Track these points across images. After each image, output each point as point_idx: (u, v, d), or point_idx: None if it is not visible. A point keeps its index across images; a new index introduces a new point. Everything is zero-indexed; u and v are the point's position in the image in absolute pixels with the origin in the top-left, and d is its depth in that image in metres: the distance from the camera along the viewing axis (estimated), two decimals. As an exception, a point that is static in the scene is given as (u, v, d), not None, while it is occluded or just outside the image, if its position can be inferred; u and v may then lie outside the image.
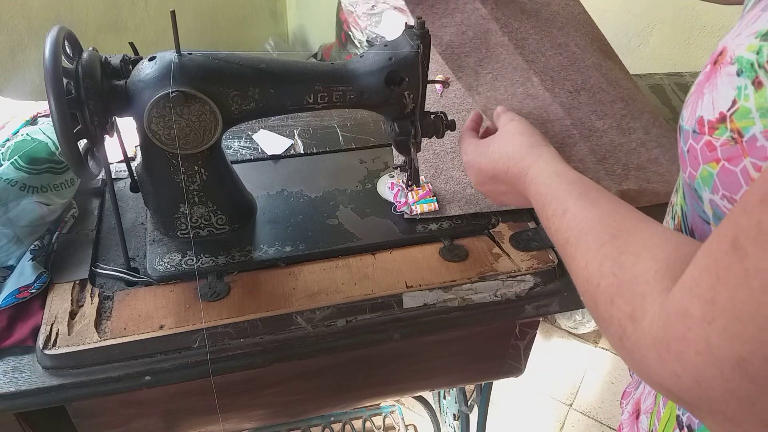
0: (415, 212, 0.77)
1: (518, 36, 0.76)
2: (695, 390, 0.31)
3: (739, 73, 0.35)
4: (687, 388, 0.32)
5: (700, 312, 0.30)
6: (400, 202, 0.79)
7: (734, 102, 0.35)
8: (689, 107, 0.41)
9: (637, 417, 0.57)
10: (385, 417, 1.49)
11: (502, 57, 0.74)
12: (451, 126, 0.72)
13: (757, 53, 0.34)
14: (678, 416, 0.48)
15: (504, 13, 0.78)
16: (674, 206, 0.52)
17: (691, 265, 0.33)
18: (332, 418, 1.41)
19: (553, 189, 0.50)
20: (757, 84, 0.34)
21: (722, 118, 0.36)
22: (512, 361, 0.85)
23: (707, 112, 0.38)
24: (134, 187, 0.72)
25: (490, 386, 1.04)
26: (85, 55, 0.59)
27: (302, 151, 0.91)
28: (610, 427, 1.58)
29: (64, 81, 0.57)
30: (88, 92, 0.58)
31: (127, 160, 0.70)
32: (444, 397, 1.34)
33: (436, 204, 0.78)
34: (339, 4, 2.03)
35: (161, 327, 0.63)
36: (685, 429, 0.47)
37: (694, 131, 0.39)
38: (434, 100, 0.99)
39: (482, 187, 0.64)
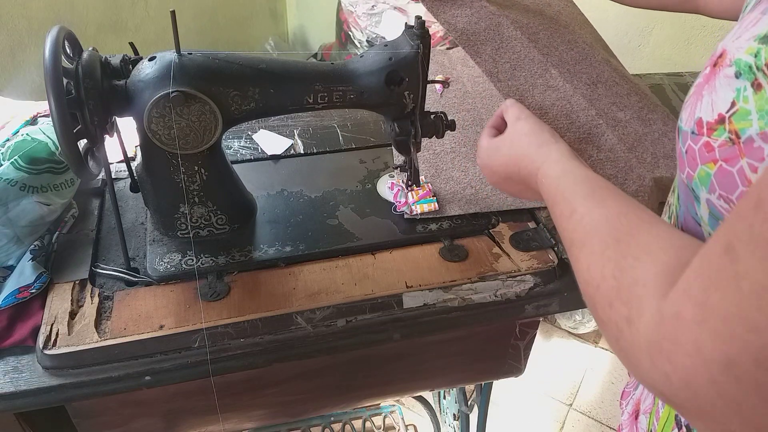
0: (415, 212, 0.77)
1: (530, 31, 0.76)
2: (684, 391, 0.32)
3: (737, 76, 0.36)
4: (677, 390, 0.32)
5: (692, 314, 0.31)
6: (400, 202, 0.79)
7: (733, 104, 0.36)
8: (688, 109, 0.41)
9: (636, 417, 0.57)
10: (385, 417, 1.49)
11: (518, 49, 0.73)
12: (451, 126, 0.71)
13: (755, 56, 0.35)
14: (677, 416, 0.48)
15: (511, 11, 0.78)
16: (671, 206, 0.52)
17: (688, 269, 0.33)
18: (332, 418, 1.41)
19: (561, 189, 0.50)
20: (757, 86, 0.34)
21: (721, 120, 0.36)
22: (512, 361, 0.85)
23: (706, 113, 0.38)
24: (134, 187, 0.72)
25: (490, 386, 1.04)
26: (85, 55, 0.59)
27: (302, 151, 0.91)
28: (610, 427, 1.58)
29: (64, 81, 0.57)
30: (88, 92, 0.58)
31: (127, 160, 0.70)
32: (444, 397, 1.34)
33: (436, 204, 0.78)
34: (339, 4, 2.03)
35: (161, 327, 0.63)
36: (684, 428, 0.47)
37: (692, 132, 0.39)
38: (434, 100, 0.99)
39: (499, 187, 0.65)
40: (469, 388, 1.17)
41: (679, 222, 0.48)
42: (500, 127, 0.67)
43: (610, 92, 0.76)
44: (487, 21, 0.75)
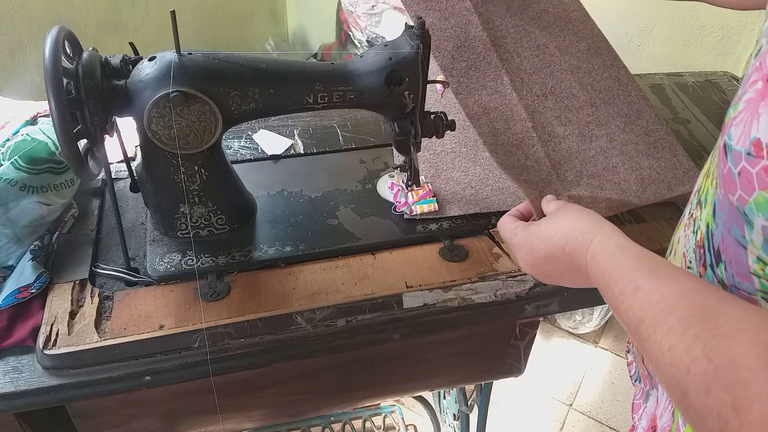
0: (414, 212, 0.77)
1: (497, 34, 0.78)
2: None
3: None
4: None
5: None
6: (400, 202, 0.79)
7: None
8: (740, 126, 0.38)
9: None
10: (385, 417, 1.49)
11: (479, 50, 0.75)
12: (451, 126, 0.71)
13: None
14: None
15: (488, 8, 0.79)
16: (697, 220, 0.50)
17: None
18: (332, 418, 1.41)
19: (619, 265, 0.45)
20: None
21: None
22: (512, 361, 0.85)
23: (765, 134, 0.35)
24: (134, 187, 0.72)
25: (490, 386, 1.04)
26: (85, 55, 0.59)
27: (302, 151, 0.91)
28: (610, 427, 1.58)
29: (64, 81, 0.57)
30: (88, 92, 0.58)
31: (127, 160, 0.70)
32: (444, 397, 1.34)
33: (436, 204, 0.78)
34: (339, 4, 2.03)
35: (161, 327, 0.63)
36: None
37: (748, 154, 0.37)
38: (434, 100, 0.99)
39: (534, 269, 0.58)
40: (469, 388, 1.17)
41: (715, 241, 0.45)
42: (523, 218, 0.64)
43: (559, 105, 0.77)
44: (457, 18, 0.76)
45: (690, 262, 0.51)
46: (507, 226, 0.62)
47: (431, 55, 0.68)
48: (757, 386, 0.32)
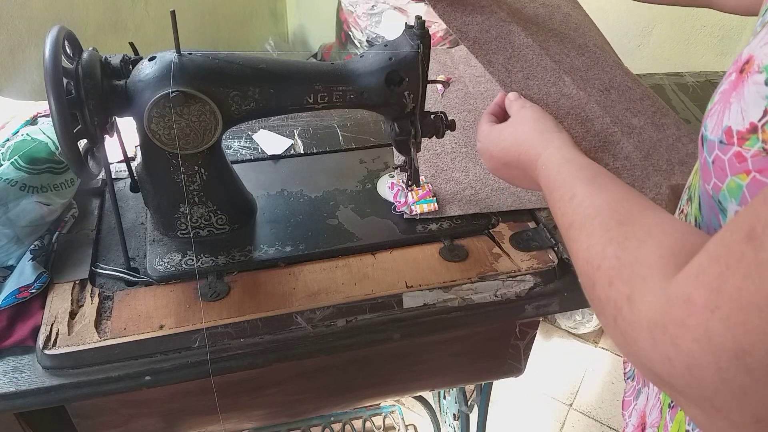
0: (414, 212, 0.77)
1: (540, 38, 0.76)
2: (686, 376, 0.31)
3: (767, 82, 0.35)
4: (678, 374, 0.32)
5: (704, 299, 0.30)
6: (400, 202, 0.79)
7: (765, 112, 0.34)
8: (714, 117, 0.40)
9: (643, 430, 0.56)
10: (385, 417, 1.49)
11: (530, 57, 0.73)
12: (451, 126, 0.71)
13: None
14: (687, 431, 0.47)
15: (520, 18, 0.78)
16: (688, 215, 0.51)
17: (701, 253, 0.32)
18: (332, 418, 1.41)
19: (562, 175, 0.50)
20: None
21: (753, 129, 0.35)
22: (512, 361, 0.85)
23: (736, 122, 0.37)
24: (134, 187, 0.72)
25: (490, 386, 1.04)
26: (85, 55, 0.59)
27: (302, 151, 0.91)
28: (610, 427, 1.58)
29: (64, 81, 0.57)
30: (88, 92, 0.58)
31: (127, 160, 0.70)
32: (444, 397, 1.34)
33: (435, 204, 0.78)
34: (339, 4, 2.03)
35: (161, 327, 0.63)
36: None
37: (720, 141, 0.38)
38: (435, 100, 0.99)
39: (496, 173, 0.65)
40: (469, 388, 1.17)
41: None
42: (499, 115, 0.67)
43: (624, 97, 0.75)
44: (498, 29, 0.74)
45: None
46: (481, 128, 0.66)
47: (431, 56, 0.67)
48: (652, 281, 0.35)
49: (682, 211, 0.53)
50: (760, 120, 0.35)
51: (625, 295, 0.36)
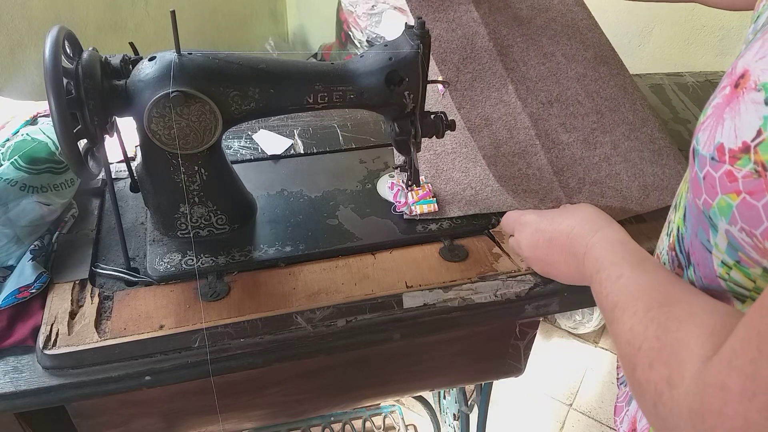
0: (414, 213, 0.77)
1: (504, 43, 0.78)
2: None
3: (766, 102, 0.33)
4: None
5: (740, 386, 0.29)
6: (400, 202, 0.79)
7: (759, 132, 0.33)
8: (707, 131, 0.39)
9: None
10: (385, 417, 1.49)
11: (484, 60, 0.75)
12: (451, 126, 0.71)
13: None
14: None
15: (496, 18, 0.79)
16: (671, 223, 0.51)
17: (732, 336, 0.31)
18: (332, 418, 1.41)
19: (612, 255, 0.49)
20: None
21: (746, 149, 0.34)
22: (512, 361, 0.85)
23: (728, 139, 0.36)
24: (134, 187, 0.72)
25: (490, 386, 1.04)
26: (85, 55, 0.59)
27: (302, 151, 0.91)
28: (610, 427, 1.58)
29: (64, 81, 0.57)
30: (88, 92, 0.58)
31: (127, 160, 0.70)
32: (444, 397, 1.34)
33: (435, 205, 0.78)
34: (339, 4, 2.03)
35: (161, 327, 0.63)
36: None
37: (712, 158, 0.37)
38: (435, 100, 0.99)
39: (534, 252, 0.63)
40: (469, 388, 1.17)
41: (684, 244, 0.47)
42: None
43: (565, 112, 0.78)
44: (465, 28, 0.76)
45: (664, 264, 0.52)
46: (515, 211, 0.66)
47: (431, 56, 0.68)
48: (691, 363, 0.34)
49: (668, 219, 0.53)
50: (753, 140, 0.34)
51: (665, 378, 0.35)
